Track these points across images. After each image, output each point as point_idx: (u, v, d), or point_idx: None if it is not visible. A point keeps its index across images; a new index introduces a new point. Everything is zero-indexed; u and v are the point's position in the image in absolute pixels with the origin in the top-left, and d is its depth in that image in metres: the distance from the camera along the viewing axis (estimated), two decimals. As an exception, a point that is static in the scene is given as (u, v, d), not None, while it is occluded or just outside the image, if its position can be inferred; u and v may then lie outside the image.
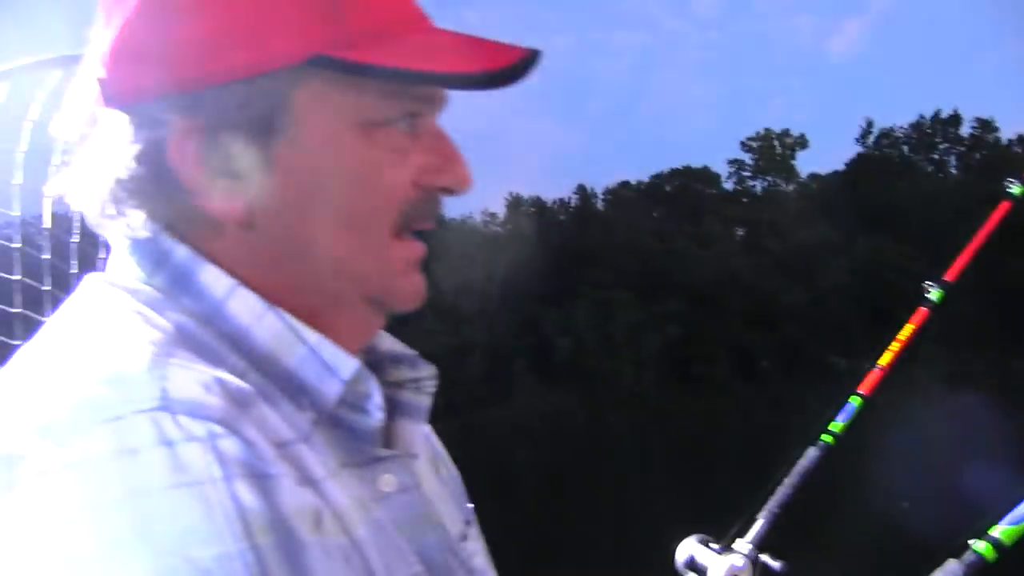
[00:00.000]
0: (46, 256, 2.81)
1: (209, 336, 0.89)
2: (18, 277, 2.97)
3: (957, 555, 1.37)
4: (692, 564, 1.62)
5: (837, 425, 2.03)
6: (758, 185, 65.33)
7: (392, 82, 0.91)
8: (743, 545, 1.55)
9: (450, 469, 1.18)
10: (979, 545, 1.36)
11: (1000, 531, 1.37)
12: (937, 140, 64.83)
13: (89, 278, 0.96)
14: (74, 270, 2.77)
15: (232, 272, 0.92)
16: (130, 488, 0.67)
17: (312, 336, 0.92)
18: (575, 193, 61.61)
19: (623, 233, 48.85)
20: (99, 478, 0.68)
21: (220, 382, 0.78)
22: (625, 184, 61.71)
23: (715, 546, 1.39)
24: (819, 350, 41.64)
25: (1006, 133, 64.44)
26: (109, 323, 0.85)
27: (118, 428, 0.70)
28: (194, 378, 0.77)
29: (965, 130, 64.47)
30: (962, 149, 64.62)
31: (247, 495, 0.70)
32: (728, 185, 64.84)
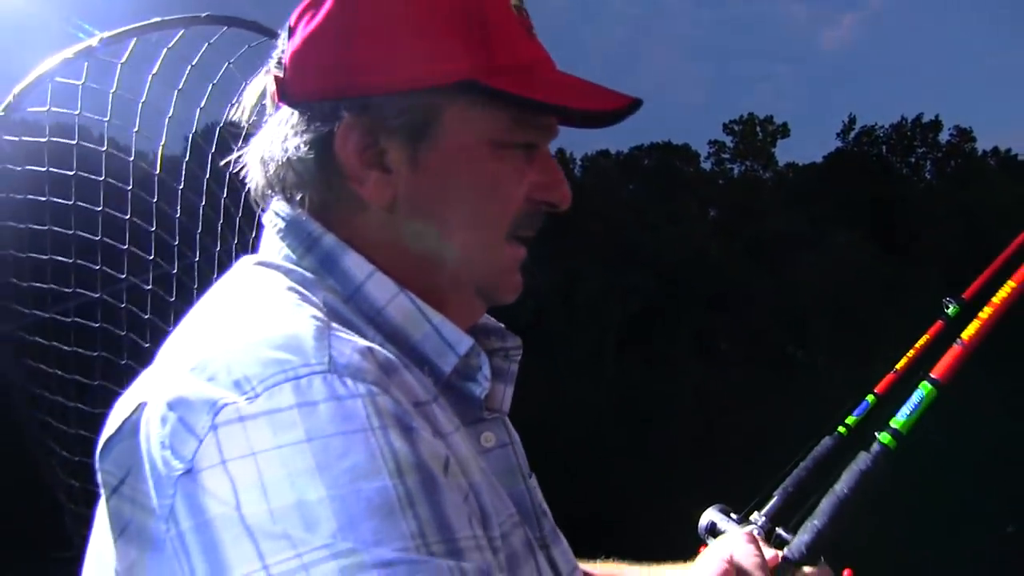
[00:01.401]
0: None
1: (350, 312, 1.07)
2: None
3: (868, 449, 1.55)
4: (712, 529, 1.76)
5: (852, 419, 2.30)
6: (736, 169, 65.71)
7: (523, 110, 1.11)
8: (758, 517, 1.68)
9: None
10: (884, 436, 1.53)
11: (897, 423, 1.54)
12: (916, 144, 65.23)
13: (244, 259, 1.14)
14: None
15: (371, 253, 1.12)
16: (310, 432, 0.83)
17: (435, 316, 1.11)
18: (554, 156, 61.35)
19: (596, 202, 48.87)
20: (286, 424, 0.83)
21: (372, 350, 0.94)
22: (604, 153, 61.72)
23: (734, 516, 1.51)
24: (779, 339, 41.99)
25: (982, 144, 64.99)
26: (276, 297, 1.01)
27: (298, 385, 0.86)
28: (352, 347, 0.92)
29: (943, 137, 64.95)
30: (939, 155, 65.12)
31: (399, 441, 0.86)
32: (706, 165, 65.20)
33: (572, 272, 42.75)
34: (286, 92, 1.12)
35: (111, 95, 3.11)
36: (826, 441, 2.21)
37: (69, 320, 3.35)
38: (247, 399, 0.85)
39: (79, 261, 3.32)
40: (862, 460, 1.52)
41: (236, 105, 1.22)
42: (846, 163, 61.00)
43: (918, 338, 2.36)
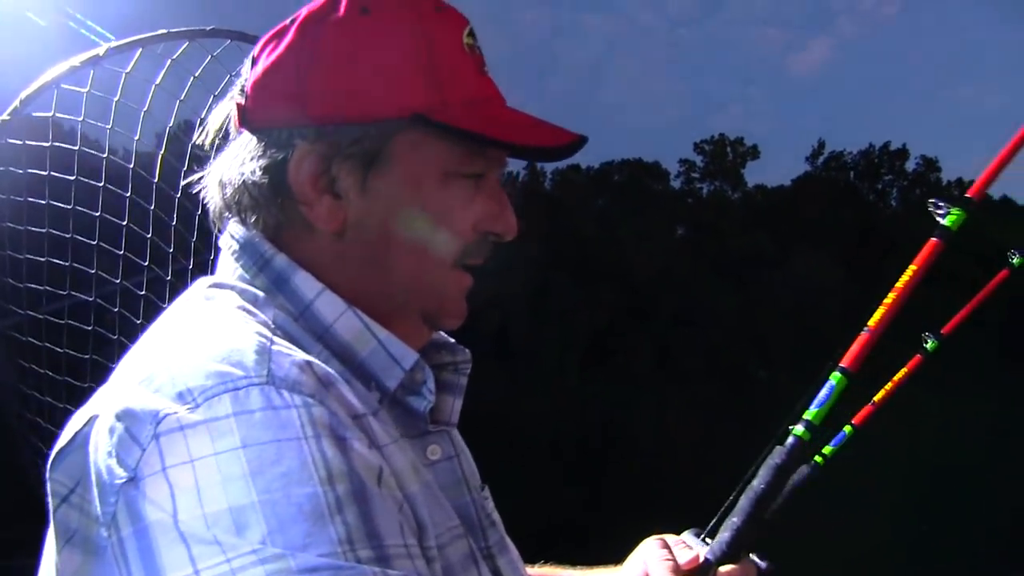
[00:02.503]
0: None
1: (299, 329, 1.12)
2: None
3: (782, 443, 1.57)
4: None
5: (828, 448, 2.36)
6: (705, 188, 65.73)
7: (472, 144, 1.15)
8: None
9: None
10: (797, 429, 1.56)
11: (810, 415, 1.57)
12: (883, 171, 65.67)
13: (200, 280, 1.18)
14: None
15: (320, 273, 1.15)
16: (245, 439, 0.87)
17: (382, 333, 1.15)
18: (524, 169, 61.60)
19: (566, 216, 48.90)
20: (222, 432, 0.87)
21: (311, 364, 0.98)
22: (575, 168, 61.55)
23: (709, 541, 1.54)
24: (742, 358, 42.14)
25: (947, 174, 65.60)
26: (224, 315, 1.06)
27: (236, 396, 0.90)
28: (292, 361, 0.96)
29: (910, 165, 65.40)
30: (904, 183, 65.52)
31: (331, 450, 0.90)
32: (676, 184, 65.14)
33: (539, 285, 42.71)
34: (246, 118, 1.17)
35: (115, 103, 3.16)
36: (802, 469, 2.26)
37: (63, 321, 3.39)
38: (188, 409, 0.88)
39: (75, 264, 3.36)
40: (777, 454, 1.55)
41: (201, 128, 1.27)
42: (815, 187, 61.37)
43: (890, 365, 2.40)
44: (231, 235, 1.21)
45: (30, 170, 3.29)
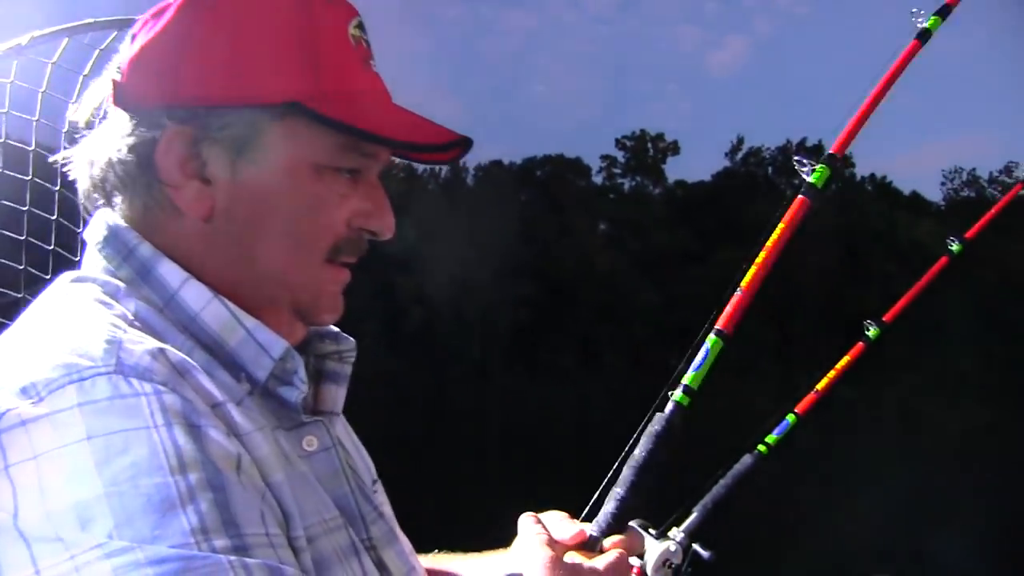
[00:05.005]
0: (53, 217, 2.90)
1: (163, 320, 1.07)
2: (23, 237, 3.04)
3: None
4: None
5: (772, 437, 2.32)
6: (626, 184, 66.34)
7: (348, 137, 1.11)
8: (677, 533, 1.68)
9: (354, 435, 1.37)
10: (676, 394, 1.57)
11: (689, 379, 1.58)
12: (794, 155, 66.85)
13: (63, 275, 1.11)
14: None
15: (187, 260, 1.12)
16: (90, 430, 0.84)
17: (250, 321, 1.11)
18: (447, 166, 61.46)
19: (488, 211, 49.01)
20: (66, 424, 0.84)
21: (164, 352, 0.95)
22: (497, 163, 61.81)
23: (652, 531, 1.52)
24: (663, 352, 42.64)
25: (860, 170, 67.01)
26: (78, 309, 1.02)
27: (82, 386, 0.86)
28: (143, 349, 0.93)
29: (836, 164, 66.80)
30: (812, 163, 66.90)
31: (183, 438, 0.87)
32: (598, 179, 65.60)
33: (461, 281, 42.76)
34: (120, 96, 1.11)
35: (40, 94, 3.06)
36: (746, 459, 2.21)
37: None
38: (32, 403, 0.85)
39: (3, 260, 3.26)
40: (657, 421, 1.54)
41: (76, 104, 1.21)
42: (734, 182, 62.38)
43: (832, 357, 2.42)
44: (95, 226, 1.15)
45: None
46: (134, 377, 0.89)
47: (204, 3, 1.10)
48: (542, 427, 27.68)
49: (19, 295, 3.41)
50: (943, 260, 2.46)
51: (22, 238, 3.24)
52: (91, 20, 3.16)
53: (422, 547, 1.44)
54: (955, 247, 2.42)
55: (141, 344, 0.94)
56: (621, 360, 43.71)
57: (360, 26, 1.18)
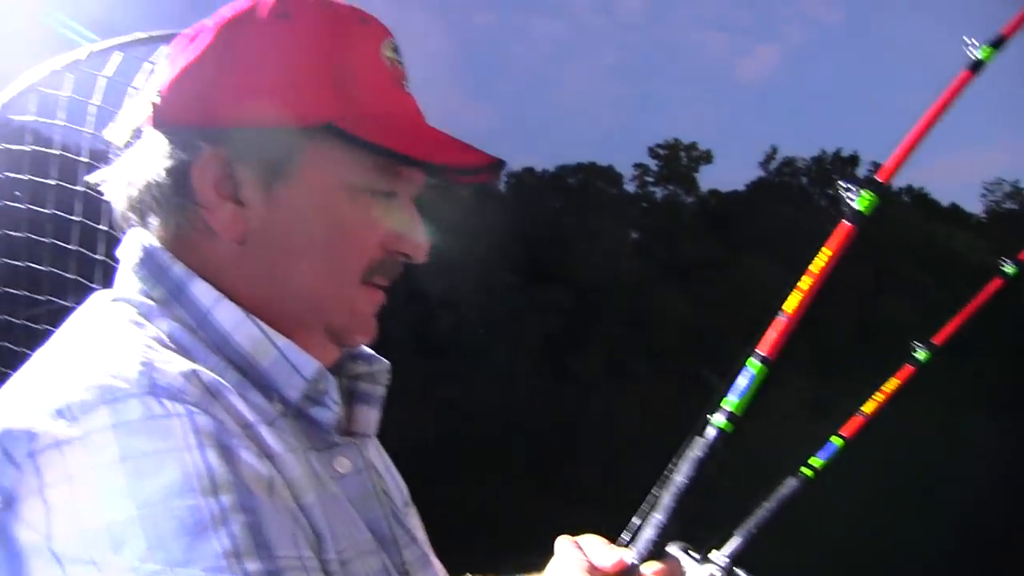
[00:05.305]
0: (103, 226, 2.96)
1: (195, 340, 1.08)
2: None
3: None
4: None
5: (817, 461, 2.26)
6: (658, 192, 66.00)
7: (383, 159, 1.12)
8: (719, 557, 1.67)
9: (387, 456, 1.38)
10: (717, 419, 1.52)
11: (731, 405, 1.52)
12: (835, 176, 66.33)
13: (97, 294, 1.14)
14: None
15: (221, 280, 1.12)
16: (123, 452, 0.85)
17: (282, 341, 1.11)
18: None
19: (519, 218, 48.91)
20: (100, 445, 0.85)
21: (196, 373, 0.96)
22: (529, 170, 61.62)
23: (694, 555, 1.51)
24: (691, 361, 42.41)
25: (897, 180, 66.39)
26: (112, 329, 1.03)
27: (115, 408, 0.87)
28: (176, 370, 0.94)
29: (861, 171, 66.07)
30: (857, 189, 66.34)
31: (215, 460, 0.88)
32: (630, 187, 65.30)
33: (491, 287, 42.71)
34: (157, 117, 1.13)
35: (94, 107, 3.12)
36: (791, 482, 2.19)
37: (40, 327, 3.34)
38: (66, 424, 0.85)
39: (53, 269, 3.32)
40: (699, 447, 1.51)
41: (114, 125, 1.22)
42: (768, 192, 61.93)
43: (883, 378, 2.37)
44: (129, 245, 1.17)
45: (8, 174, 3.24)
46: (167, 398, 0.90)
47: (239, 26, 1.13)
48: (569, 434, 27.61)
49: (66, 303, 3.48)
50: (997, 282, 2.40)
51: (72, 247, 3.33)
52: (143, 35, 3.21)
53: (453, 569, 1.44)
54: (1009, 269, 2.37)
55: (174, 365, 0.95)
56: (649, 368, 43.46)
57: (394, 48, 1.19)
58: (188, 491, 0.84)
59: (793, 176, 67.14)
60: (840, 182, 1.71)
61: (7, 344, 3.23)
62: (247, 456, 0.93)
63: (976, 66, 1.87)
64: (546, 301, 45.07)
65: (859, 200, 1.70)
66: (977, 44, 1.88)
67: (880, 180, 1.73)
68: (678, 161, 65.73)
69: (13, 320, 3.28)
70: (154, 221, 1.16)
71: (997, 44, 1.89)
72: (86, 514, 0.82)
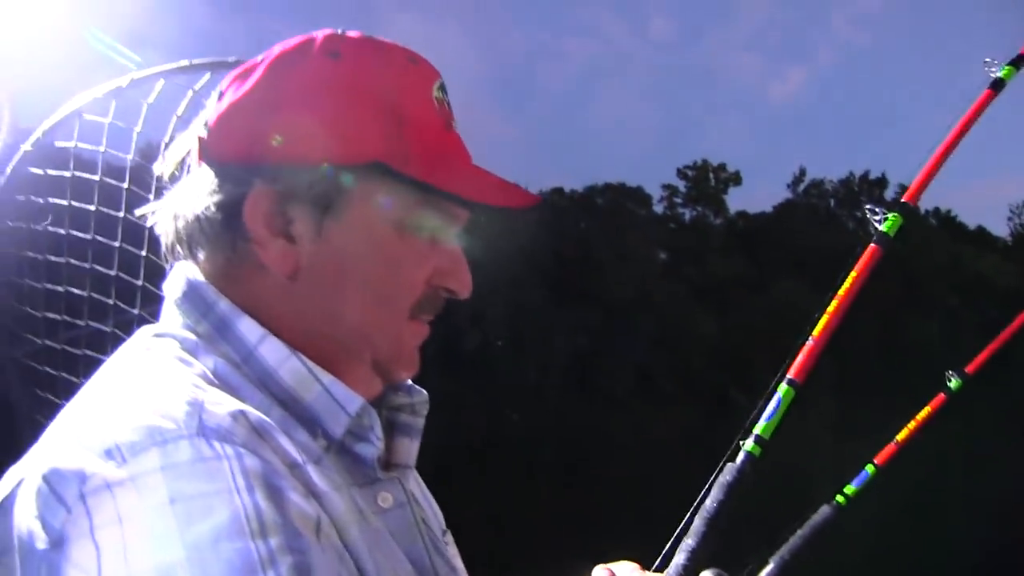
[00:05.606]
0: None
1: (241, 377, 1.09)
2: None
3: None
4: None
5: (851, 488, 2.32)
6: (687, 213, 65.71)
7: (431, 198, 1.15)
8: None
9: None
10: (748, 444, 1.56)
11: (761, 429, 1.58)
12: (862, 198, 65.82)
13: (142, 329, 1.16)
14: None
15: (268, 315, 1.14)
16: (173, 494, 0.85)
17: (326, 377, 1.13)
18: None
19: (548, 238, 48.84)
20: (150, 487, 0.85)
21: (244, 414, 0.97)
22: (559, 191, 61.48)
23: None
24: (721, 382, 42.16)
25: (924, 203, 66.07)
26: (159, 367, 1.04)
27: (165, 450, 0.88)
28: (224, 411, 0.95)
29: (889, 194, 65.58)
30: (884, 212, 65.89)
31: (264, 501, 0.88)
32: (658, 208, 65.05)
33: (520, 306, 42.63)
34: (206, 152, 1.15)
35: (135, 133, 3.18)
36: (824, 510, 2.24)
37: (80, 351, 3.38)
38: (116, 466, 0.86)
39: (93, 294, 3.36)
40: (729, 471, 1.53)
41: (161, 158, 1.25)
42: (796, 214, 61.57)
43: (917, 406, 2.37)
44: (175, 280, 1.19)
45: (51, 199, 3.30)
46: (216, 440, 0.91)
47: (291, 64, 1.16)
48: (599, 453, 27.48)
49: (107, 328, 3.52)
50: None
51: (112, 272, 3.37)
52: (186, 62, 3.27)
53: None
54: None
55: (222, 406, 0.96)
56: (678, 389, 43.23)
57: (442, 88, 1.21)
58: (237, 533, 0.85)
59: (821, 198, 66.76)
60: (867, 205, 1.74)
61: (47, 368, 3.29)
62: (295, 497, 0.93)
63: (997, 84, 1.90)
64: (575, 321, 44.94)
65: (886, 223, 1.72)
66: (998, 63, 1.90)
67: (906, 201, 1.75)
68: (707, 182, 65.47)
69: (53, 345, 3.33)
70: (201, 255, 1.19)
71: (1017, 63, 1.91)
72: (136, 556, 0.83)
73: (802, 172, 67.35)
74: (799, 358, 1.64)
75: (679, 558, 1.46)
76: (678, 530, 1.52)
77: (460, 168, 1.21)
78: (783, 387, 1.61)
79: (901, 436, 2.36)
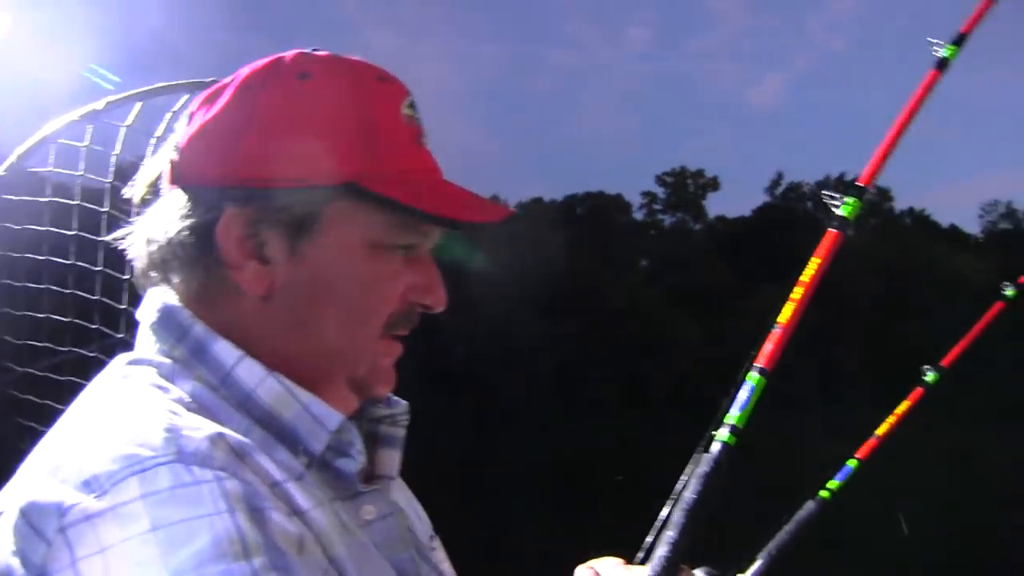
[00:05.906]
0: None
1: (219, 399, 1.08)
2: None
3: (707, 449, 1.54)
4: None
5: (834, 483, 2.32)
6: (667, 220, 66.24)
7: (404, 216, 1.13)
8: None
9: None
10: (723, 434, 1.53)
11: (734, 419, 1.54)
12: (823, 192, 66.33)
13: (118, 357, 1.13)
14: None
15: (244, 337, 1.13)
16: (155, 521, 0.84)
17: (304, 395, 1.12)
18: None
19: (530, 249, 48.92)
20: (131, 517, 0.84)
21: (223, 436, 0.96)
22: (538, 200, 61.83)
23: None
24: (708, 387, 42.25)
25: (899, 204, 66.72)
26: (135, 394, 1.03)
27: (144, 477, 0.86)
28: (202, 435, 0.93)
29: (866, 196, 66.12)
30: (860, 213, 66.81)
31: (246, 523, 0.87)
32: (638, 215, 65.59)
33: (504, 319, 42.68)
34: (177, 175, 1.14)
35: (114, 156, 3.14)
36: (809, 505, 2.25)
37: (63, 378, 3.34)
38: (95, 497, 0.85)
39: (76, 320, 3.32)
40: (705, 462, 1.52)
41: (132, 183, 1.22)
42: (775, 217, 62.00)
43: (893, 403, 2.39)
44: (148, 305, 1.17)
45: (27, 226, 3.25)
46: (195, 465, 0.89)
47: (260, 85, 1.13)
48: (585, 463, 27.50)
49: (91, 353, 3.48)
50: (999, 305, 2.44)
51: (95, 297, 3.33)
52: (164, 84, 3.23)
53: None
54: (1010, 292, 2.41)
55: (200, 430, 0.95)
56: (664, 396, 43.35)
57: (412, 105, 1.20)
58: (220, 556, 0.84)
59: (799, 200, 67.33)
60: (823, 192, 1.74)
61: (30, 397, 3.25)
62: (277, 516, 0.93)
63: (942, 64, 1.91)
64: (559, 331, 45.04)
65: (843, 207, 1.73)
66: (942, 43, 1.91)
67: (860, 184, 1.76)
68: (685, 188, 65.96)
69: (36, 372, 3.29)
70: (175, 279, 1.16)
71: (959, 42, 1.93)
72: None
73: (779, 176, 68.17)
74: (767, 346, 1.63)
75: (661, 550, 1.44)
76: (657, 523, 1.51)
77: (432, 185, 1.20)
78: (753, 375, 1.59)
79: (881, 430, 2.38)
